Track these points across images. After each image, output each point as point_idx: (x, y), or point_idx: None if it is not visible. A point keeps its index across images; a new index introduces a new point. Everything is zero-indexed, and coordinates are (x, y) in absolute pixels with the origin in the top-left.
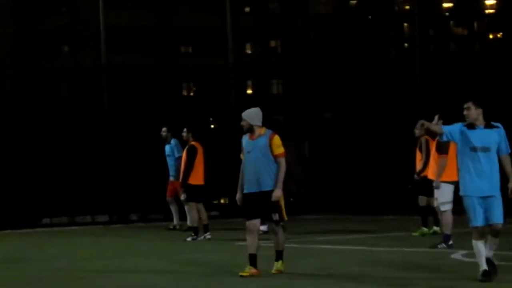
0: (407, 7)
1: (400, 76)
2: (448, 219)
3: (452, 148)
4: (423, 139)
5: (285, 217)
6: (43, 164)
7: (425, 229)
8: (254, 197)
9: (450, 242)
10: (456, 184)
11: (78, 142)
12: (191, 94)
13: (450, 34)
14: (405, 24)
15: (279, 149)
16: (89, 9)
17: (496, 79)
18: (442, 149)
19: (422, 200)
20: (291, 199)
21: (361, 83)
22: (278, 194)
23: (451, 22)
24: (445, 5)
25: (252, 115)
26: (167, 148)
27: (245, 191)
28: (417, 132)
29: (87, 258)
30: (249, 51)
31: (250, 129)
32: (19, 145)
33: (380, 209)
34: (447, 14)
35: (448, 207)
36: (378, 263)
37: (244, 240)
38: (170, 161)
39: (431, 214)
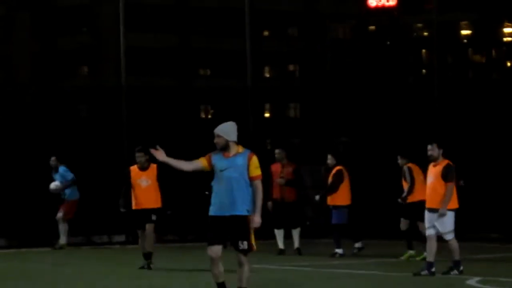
0: (426, 33)
1: (418, 102)
2: (455, 246)
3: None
4: (405, 168)
5: (254, 247)
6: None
7: (412, 252)
8: (223, 221)
9: (456, 270)
10: (456, 211)
11: (96, 162)
12: (209, 116)
13: (468, 62)
14: (424, 51)
15: (257, 171)
16: (110, 30)
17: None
18: (449, 177)
19: (404, 224)
20: (308, 223)
21: (378, 108)
22: (259, 220)
23: (470, 50)
24: (464, 32)
25: (228, 130)
26: (57, 176)
27: (212, 214)
28: (400, 162)
29: (103, 277)
30: (267, 75)
31: (226, 146)
32: (38, 163)
33: (395, 234)
34: (465, 41)
35: (453, 235)
36: (391, 287)
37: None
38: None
39: (416, 238)
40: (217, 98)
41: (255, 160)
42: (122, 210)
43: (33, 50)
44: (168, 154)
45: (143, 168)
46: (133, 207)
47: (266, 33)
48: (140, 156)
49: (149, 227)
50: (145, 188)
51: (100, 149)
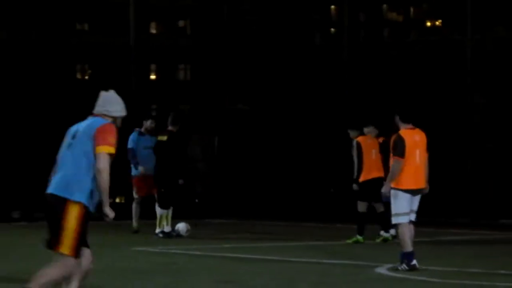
0: None
1: (326, 65)
2: (402, 233)
3: (411, 152)
4: (354, 142)
5: None
6: None
7: (359, 237)
8: None
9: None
10: (411, 193)
11: None
12: (86, 77)
13: (383, 20)
14: (332, 7)
15: None
16: None
17: (432, 69)
18: (397, 150)
19: (361, 206)
20: (196, 200)
21: (282, 72)
22: None
23: (384, 6)
24: None
25: None
26: None
27: None
28: (351, 133)
29: None
30: (153, 31)
31: None
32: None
33: (299, 215)
34: None
35: (402, 220)
36: (291, 275)
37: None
38: None
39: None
40: (96, 56)
41: None
42: None
43: None
44: (42, 118)
45: None
46: None
47: None
48: None
49: None
50: None
51: None
